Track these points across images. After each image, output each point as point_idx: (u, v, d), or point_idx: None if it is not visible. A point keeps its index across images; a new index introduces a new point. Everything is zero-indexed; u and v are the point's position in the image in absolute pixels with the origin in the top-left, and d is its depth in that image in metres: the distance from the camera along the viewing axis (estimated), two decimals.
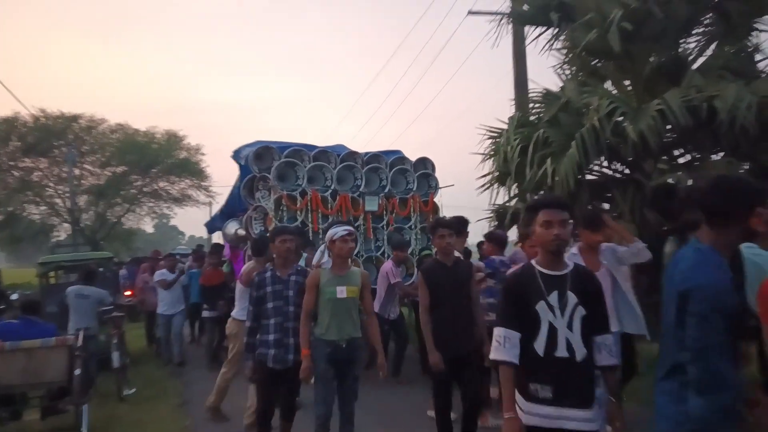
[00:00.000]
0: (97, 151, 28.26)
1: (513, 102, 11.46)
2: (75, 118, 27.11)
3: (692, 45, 9.01)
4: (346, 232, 4.35)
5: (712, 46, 8.77)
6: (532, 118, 9.55)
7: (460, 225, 6.16)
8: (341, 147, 8.83)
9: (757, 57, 8.71)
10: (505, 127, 9.52)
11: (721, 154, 8.08)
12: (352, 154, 8.41)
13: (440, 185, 8.90)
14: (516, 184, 9.11)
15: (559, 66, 9.78)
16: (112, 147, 28.19)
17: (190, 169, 30.13)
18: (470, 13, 12.39)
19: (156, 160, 28.62)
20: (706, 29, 8.93)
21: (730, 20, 8.29)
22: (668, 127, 7.63)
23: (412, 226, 8.62)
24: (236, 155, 8.71)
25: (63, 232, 29.74)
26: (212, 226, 12.69)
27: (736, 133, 7.11)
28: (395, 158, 8.58)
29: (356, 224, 7.99)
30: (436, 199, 8.82)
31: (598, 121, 7.51)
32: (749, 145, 7.41)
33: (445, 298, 4.48)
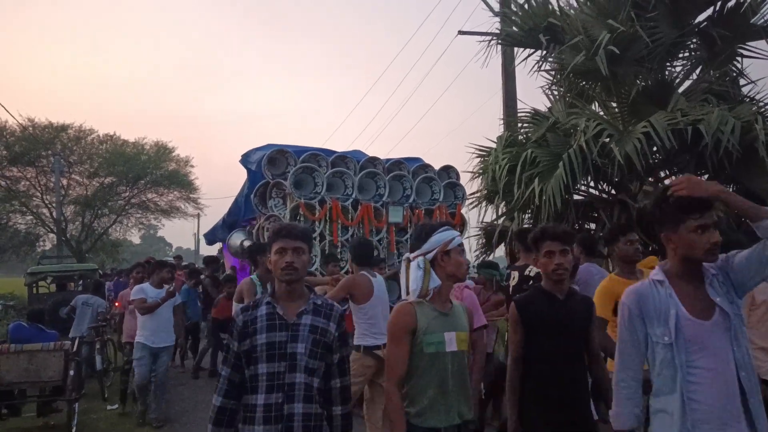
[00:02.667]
0: (85, 162, 28.21)
1: (502, 121, 11.58)
2: (64, 128, 27.08)
3: (678, 69, 9.19)
4: (461, 240, 2.87)
5: (697, 71, 8.95)
6: (520, 137, 9.66)
7: (584, 240, 5.51)
8: (359, 153, 8.18)
9: (741, 81, 8.91)
10: (494, 146, 9.62)
11: (706, 176, 8.20)
12: (373, 160, 7.78)
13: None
14: (504, 203, 9.19)
15: (547, 87, 9.92)
16: (100, 157, 28.16)
17: (179, 180, 30.14)
18: (460, 33, 12.54)
19: (144, 172, 28.61)
20: (692, 53, 9.10)
21: (714, 45, 8.46)
22: (654, 148, 7.75)
23: None
24: (245, 160, 8.06)
25: (49, 242, 29.54)
26: (212, 237, 12.26)
27: (720, 157, 7.23)
28: (417, 166, 7.96)
29: (378, 237, 7.49)
30: (463, 211, 8.33)
31: (585, 142, 7.61)
32: (733, 168, 7.53)
33: (550, 346, 3.01)
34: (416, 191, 7.81)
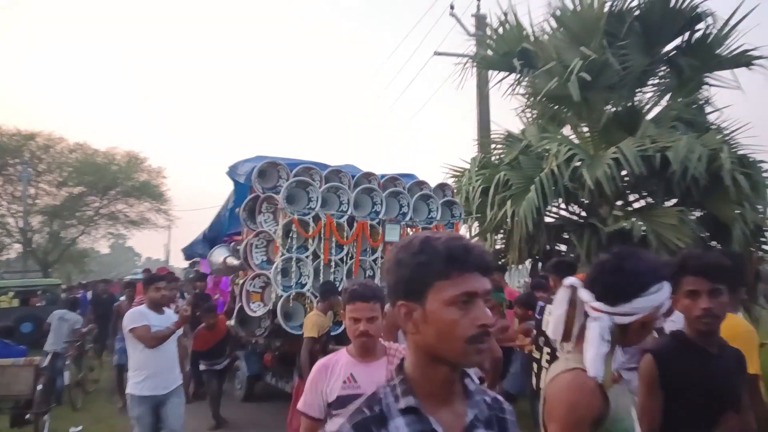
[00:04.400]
0: (54, 171, 27.61)
1: (476, 142, 11.70)
2: (32, 136, 26.50)
3: (647, 96, 9.40)
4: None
5: (666, 98, 9.15)
6: (493, 159, 9.78)
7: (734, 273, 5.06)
8: (352, 167, 7.85)
9: (708, 109, 9.15)
10: (468, 167, 9.71)
11: (674, 201, 8.38)
12: (368, 176, 7.40)
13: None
14: (477, 224, 9.27)
15: (520, 110, 10.07)
16: (69, 167, 27.57)
17: (150, 192, 29.67)
18: (436, 53, 12.70)
19: (115, 182, 28.11)
20: (661, 81, 9.32)
21: (682, 74, 8.69)
22: (623, 173, 7.90)
23: None
24: (232, 172, 7.56)
25: (13, 251, 28.83)
26: (191, 252, 11.56)
27: (688, 183, 7.40)
28: (412, 183, 7.58)
29: (374, 256, 7.13)
30: (461, 232, 7.94)
31: (556, 166, 7.74)
32: (699, 195, 7.71)
33: (699, 417, 2.24)
34: (413, 209, 7.39)
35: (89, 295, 14.82)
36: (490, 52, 9.86)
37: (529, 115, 10.04)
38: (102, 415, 8.27)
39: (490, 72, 10.52)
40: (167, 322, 4.87)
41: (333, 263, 6.82)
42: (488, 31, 10.47)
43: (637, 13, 8.50)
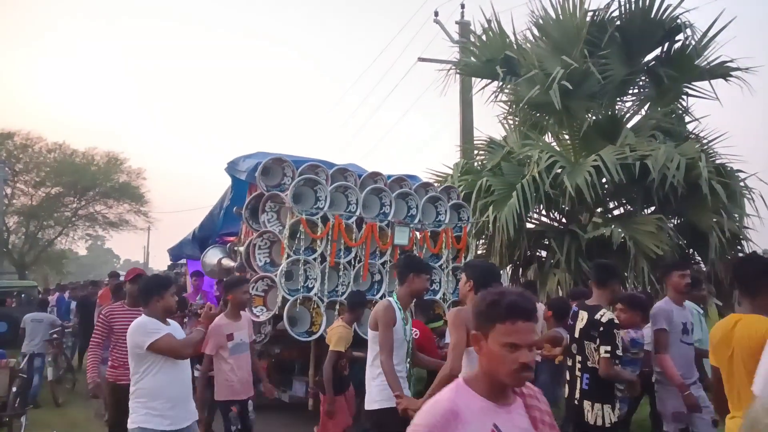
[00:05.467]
0: (32, 171, 27.29)
1: (459, 148, 11.76)
2: (9, 135, 26.15)
3: (627, 105, 9.58)
4: None
5: (646, 107, 9.32)
6: (476, 165, 9.85)
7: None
8: (355, 166, 7.56)
9: (686, 119, 9.32)
10: (451, 172, 9.77)
11: (652, 209, 8.50)
12: (375, 175, 7.04)
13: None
14: None
15: (503, 116, 10.15)
16: (47, 167, 27.24)
17: (130, 193, 29.41)
18: (420, 59, 12.76)
19: (94, 183, 27.83)
20: (640, 91, 9.49)
21: (661, 84, 8.83)
22: (603, 181, 8.00)
23: (443, 266, 7.19)
24: (232, 168, 7.17)
25: None
26: (178, 252, 11.00)
27: (666, 191, 7.52)
28: (418, 184, 7.32)
29: (382, 260, 6.80)
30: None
31: (538, 173, 7.82)
32: (677, 203, 7.83)
33: None
34: (421, 211, 7.08)
35: (66, 296, 14.66)
36: (473, 59, 9.93)
37: (511, 122, 10.14)
38: (78, 420, 8.16)
39: (473, 79, 10.60)
40: (175, 332, 3.92)
41: (341, 266, 6.49)
42: (472, 38, 10.54)
43: (617, 23, 8.62)
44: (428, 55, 12.87)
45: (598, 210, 8.94)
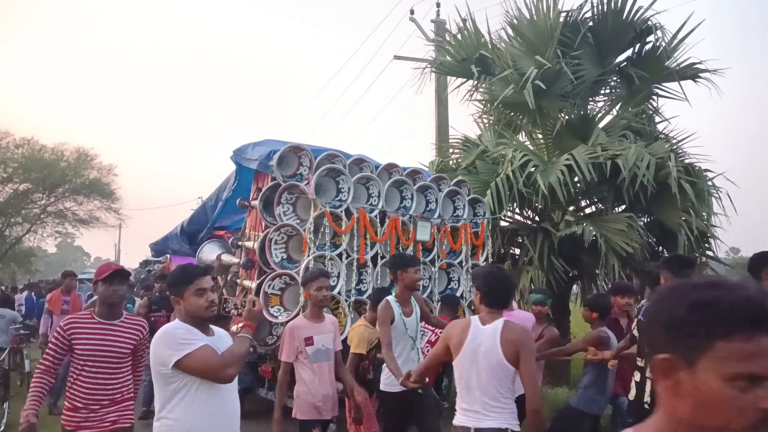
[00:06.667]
0: None
1: (434, 146, 11.82)
2: None
3: (599, 105, 9.72)
4: None
5: (617, 107, 9.47)
6: (451, 163, 9.91)
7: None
8: (366, 157, 7.09)
9: (656, 119, 9.50)
10: (426, 170, 9.81)
11: (623, 207, 8.64)
12: (391, 167, 6.66)
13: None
14: None
15: (478, 115, 10.23)
16: (15, 162, 26.61)
17: (100, 189, 28.89)
18: (396, 57, 12.79)
19: (63, 179, 27.27)
20: (612, 91, 9.64)
21: (632, 84, 8.98)
22: (575, 179, 8.11)
23: (462, 263, 6.89)
24: (239, 156, 6.65)
25: None
26: (163, 247, 10.27)
27: (636, 190, 7.65)
28: (432, 178, 6.99)
29: None
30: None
31: (512, 171, 7.90)
32: (647, 201, 7.97)
33: None
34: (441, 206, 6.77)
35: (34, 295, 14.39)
36: (448, 58, 9.99)
37: (486, 120, 10.22)
38: (47, 422, 8.02)
39: (448, 78, 10.66)
40: (222, 344, 2.84)
41: (367, 263, 6.13)
42: (447, 37, 10.60)
43: (590, 24, 8.74)
44: (405, 52, 12.91)
45: (571, 208, 9.06)
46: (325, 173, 5.98)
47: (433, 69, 10.52)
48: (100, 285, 3.58)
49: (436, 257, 6.63)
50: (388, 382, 4.46)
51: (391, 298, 4.48)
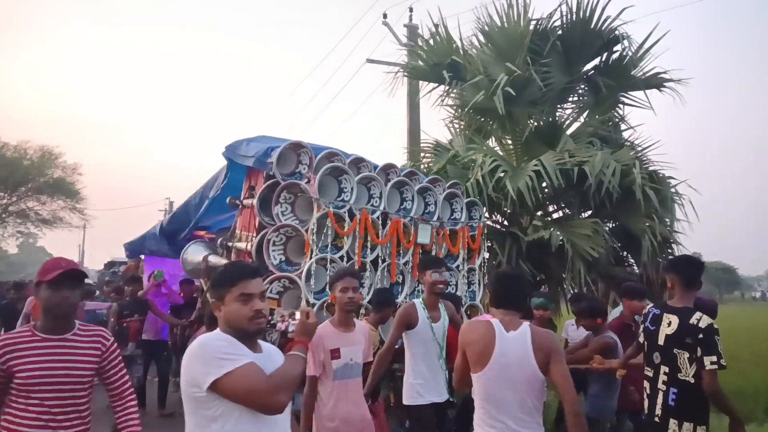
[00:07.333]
0: None
1: (405, 150, 11.87)
2: None
3: (567, 112, 9.88)
4: None
5: (584, 115, 9.66)
6: (422, 167, 9.97)
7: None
8: (363, 157, 6.94)
9: (622, 127, 9.71)
10: None
11: (589, 212, 8.81)
12: (389, 167, 6.55)
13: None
14: None
15: (449, 120, 10.32)
16: None
17: (65, 189, 28.35)
18: (368, 61, 12.82)
19: (26, 178, 26.71)
20: (579, 99, 9.82)
21: (599, 92, 9.17)
22: (543, 185, 8.24)
23: (459, 266, 6.83)
24: (232, 152, 6.33)
25: None
26: (138, 247, 9.74)
27: (602, 196, 7.80)
28: (427, 180, 6.92)
29: (404, 260, 6.31)
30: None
31: (482, 176, 7.98)
32: (613, 207, 8.13)
33: None
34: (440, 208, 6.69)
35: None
36: (420, 63, 10.06)
37: (457, 125, 10.31)
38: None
39: (420, 82, 10.73)
40: (271, 364, 2.27)
41: (367, 266, 5.99)
42: (420, 42, 10.68)
43: (559, 32, 8.89)
44: (378, 55, 12.96)
45: (538, 213, 9.19)
46: (328, 172, 5.79)
47: (405, 73, 10.58)
48: (45, 289, 2.73)
49: None
50: (412, 395, 4.22)
51: (417, 301, 4.34)
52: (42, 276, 2.75)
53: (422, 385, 4.22)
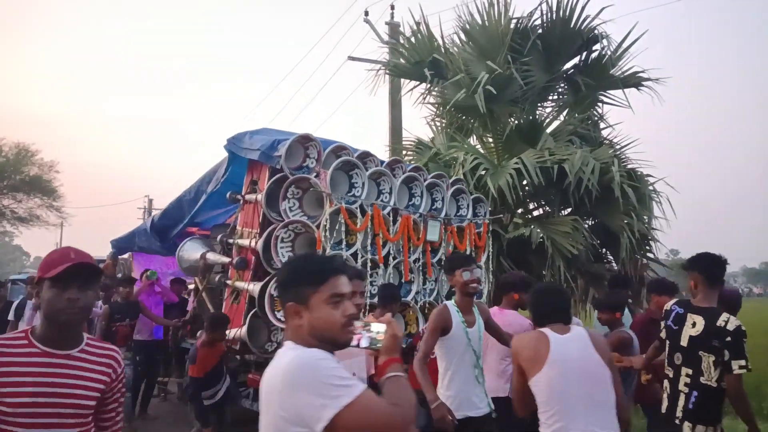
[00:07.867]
0: None
1: (387, 148, 11.88)
2: None
3: (547, 110, 9.98)
4: None
5: (564, 113, 9.75)
6: None
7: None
8: (370, 152, 6.68)
9: (601, 125, 9.82)
10: None
11: (569, 210, 8.90)
12: (395, 163, 6.37)
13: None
14: None
15: (430, 118, 10.35)
16: None
17: (41, 187, 27.92)
18: (350, 58, 12.79)
19: (1, 176, 26.27)
20: (559, 97, 9.93)
21: (579, 91, 9.27)
22: (524, 183, 8.31)
23: None
24: (235, 144, 6.03)
25: None
26: (127, 244, 9.35)
27: (582, 194, 7.89)
28: (433, 175, 6.74)
29: (413, 257, 6.10)
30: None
31: (463, 174, 8.03)
32: (592, 205, 8.23)
33: None
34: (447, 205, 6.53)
35: None
36: (402, 61, 10.08)
37: (438, 123, 10.35)
38: None
39: (402, 80, 10.75)
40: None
41: (381, 264, 5.78)
42: (401, 40, 10.69)
43: (539, 31, 8.96)
44: (360, 53, 12.93)
45: (519, 211, 9.27)
46: (339, 166, 5.55)
47: (387, 71, 10.59)
48: (47, 288, 1.99)
49: (443, 258, 6.26)
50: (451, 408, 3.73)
51: (450, 303, 3.91)
52: (44, 271, 2.01)
53: (453, 398, 3.72)
